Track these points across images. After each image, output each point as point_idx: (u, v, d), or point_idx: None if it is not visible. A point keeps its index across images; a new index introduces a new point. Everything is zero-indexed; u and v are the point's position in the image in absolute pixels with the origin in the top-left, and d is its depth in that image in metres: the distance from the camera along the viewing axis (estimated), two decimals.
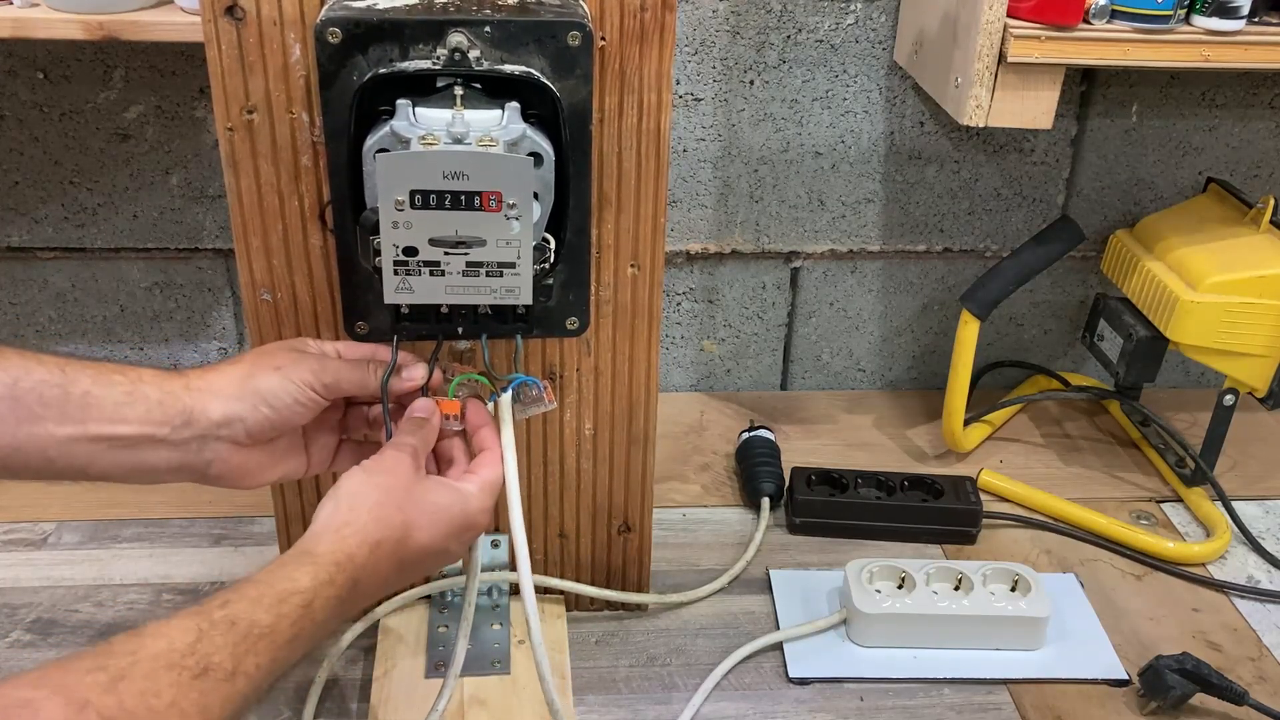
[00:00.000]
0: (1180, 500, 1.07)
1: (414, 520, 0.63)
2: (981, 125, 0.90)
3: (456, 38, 0.66)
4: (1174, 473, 1.08)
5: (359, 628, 0.85)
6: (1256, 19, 0.89)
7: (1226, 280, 0.98)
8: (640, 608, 0.90)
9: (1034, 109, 0.90)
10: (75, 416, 0.62)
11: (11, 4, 0.87)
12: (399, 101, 0.65)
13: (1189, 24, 0.88)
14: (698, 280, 1.17)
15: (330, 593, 0.58)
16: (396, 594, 0.86)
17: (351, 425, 0.73)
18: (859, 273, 1.18)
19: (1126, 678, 0.86)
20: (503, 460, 0.69)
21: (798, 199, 1.14)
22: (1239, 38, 0.88)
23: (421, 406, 0.69)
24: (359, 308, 0.73)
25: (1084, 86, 1.11)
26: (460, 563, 0.87)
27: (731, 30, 1.05)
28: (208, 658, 0.51)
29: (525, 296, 0.68)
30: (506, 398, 0.70)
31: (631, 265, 0.77)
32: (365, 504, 0.62)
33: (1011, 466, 1.10)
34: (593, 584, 0.89)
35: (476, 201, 0.64)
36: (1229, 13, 0.86)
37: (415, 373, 0.70)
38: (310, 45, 0.67)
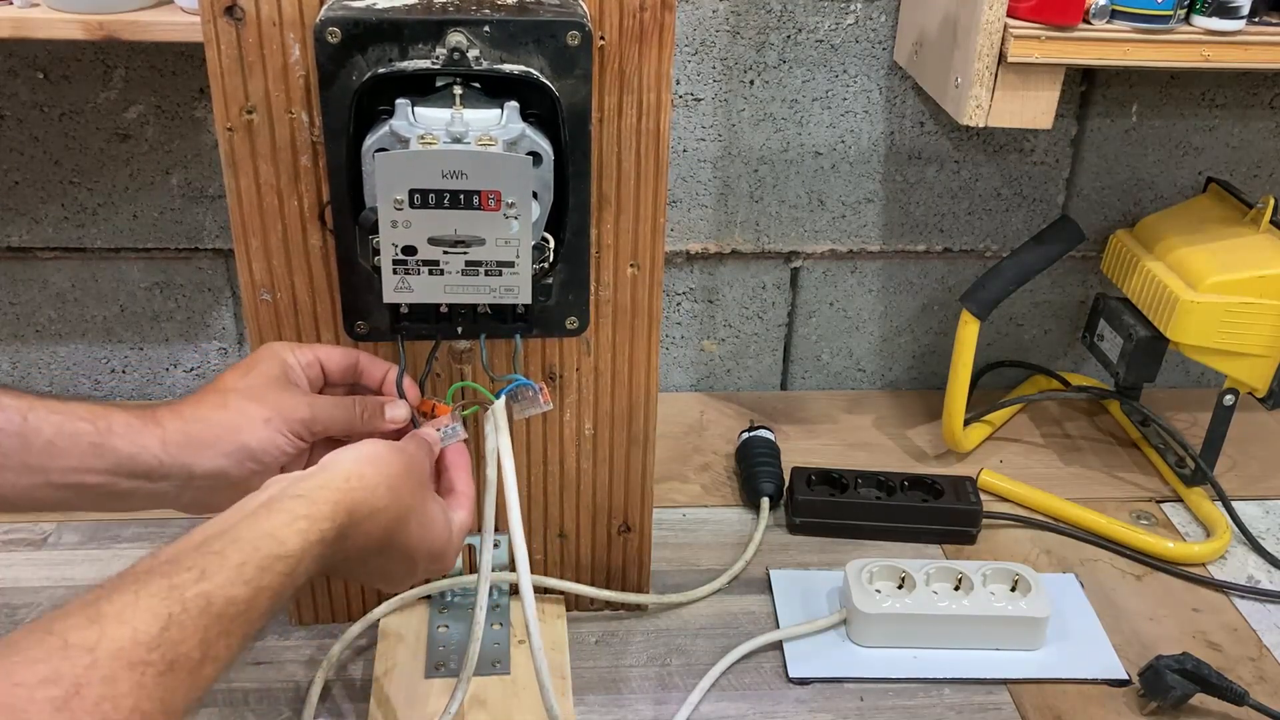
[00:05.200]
0: (1180, 500, 1.07)
1: (415, 512, 0.60)
2: (981, 125, 0.90)
3: (456, 37, 0.66)
4: (1174, 473, 1.08)
5: (358, 628, 0.85)
6: (1256, 19, 0.89)
7: (1226, 280, 0.98)
8: (640, 608, 0.90)
9: (1034, 109, 0.90)
10: (37, 467, 0.58)
11: (11, 4, 0.87)
12: (398, 101, 0.65)
13: (1189, 24, 0.88)
14: (698, 280, 1.17)
15: (317, 551, 0.53)
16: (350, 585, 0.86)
17: None
18: (859, 273, 1.18)
19: (1126, 678, 0.86)
20: (475, 503, 0.68)
21: (798, 199, 1.14)
22: (1239, 38, 0.88)
23: (401, 416, 0.68)
24: (359, 307, 0.73)
25: (1084, 86, 1.11)
26: (460, 563, 0.87)
27: (731, 30, 1.05)
28: (176, 648, 0.45)
29: (524, 296, 0.68)
30: (500, 404, 0.70)
31: (631, 265, 0.77)
32: (384, 466, 0.58)
33: (1011, 466, 1.10)
34: (593, 584, 0.88)
35: (475, 200, 0.64)
36: (1229, 13, 0.86)
37: (397, 413, 0.68)
38: (310, 45, 0.67)
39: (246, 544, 0.51)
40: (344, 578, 0.83)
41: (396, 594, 0.86)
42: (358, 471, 0.58)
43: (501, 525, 0.72)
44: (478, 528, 0.72)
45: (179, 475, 0.61)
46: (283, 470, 0.66)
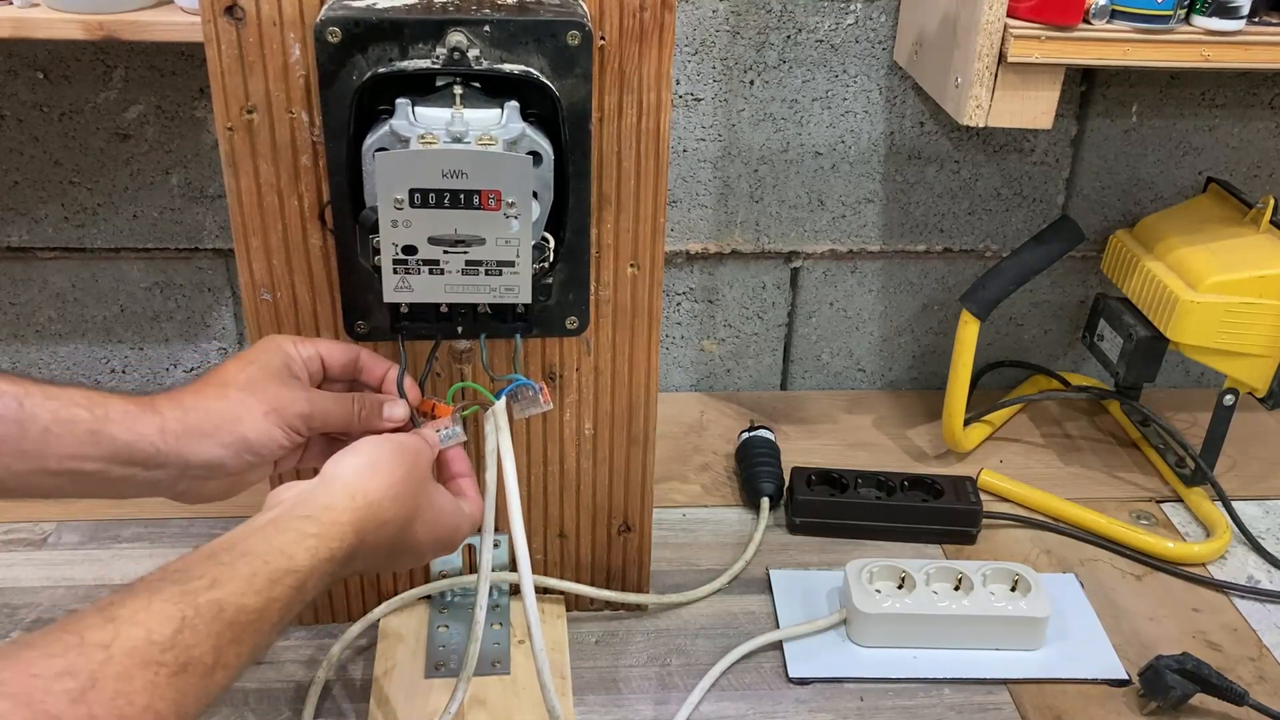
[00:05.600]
0: (1180, 500, 1.07)
1: (421, 512, 0.61)
2: (981, 125, 0.90)
3: (456, 37, 0.66)
4: (1174, 473, 1.08)
5: (358, 628, 0.85)
6: (1256, 19, 0.89)
7: (1226, 280, 0.98)
8: (640, 608, 0.90)
9: (1034, 109, 0.90)
10: (33, 453, 0.57)
11: (11, 4, 0.87)
12: (398, 100, 0.65)
13: (1189, 24, 0.88)
14: (698, 280, 1.17)
15: (327, 569, 0.54)
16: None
17: None
18: (859, 273, 1.18)
19: (1126, 678, 0.86)
20: (483, 505, 0.69)
21: (798, 199, 1.14)
22: (1239, 38, 0.88)
23: (400, 415, 0.68)
24: (359, 307, 0.74)
25: (1084, 86, 1.11)
26: (461, 563, 0.87)
27: (731, 30, 1.05)
28: (189, 651, 0.46)
29: (524, 295, 0.68)
30: (501, 404, 0.71)
31: (631, 265, 0.77)
32: (386, 476, 0.59)
33: (1011, 466, 1.10)
34: (593, 584, 0.88)
35: (476, 200, 0.64)
36: (1229, 13, 0.86)
37: (396, 412, 0.68)
38: (310, 45, 0.67)
39: (256, 557, 0.52)
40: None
41: (397, 594, 0.86)
42: (362, 487, 0.59)
43: (502, 525, 0.72)
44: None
45: (175, 464, 0.61)
46: (278, 464, 0.66)
